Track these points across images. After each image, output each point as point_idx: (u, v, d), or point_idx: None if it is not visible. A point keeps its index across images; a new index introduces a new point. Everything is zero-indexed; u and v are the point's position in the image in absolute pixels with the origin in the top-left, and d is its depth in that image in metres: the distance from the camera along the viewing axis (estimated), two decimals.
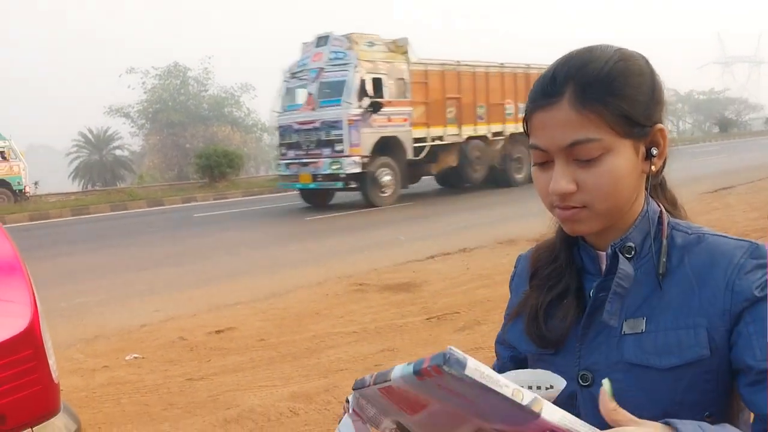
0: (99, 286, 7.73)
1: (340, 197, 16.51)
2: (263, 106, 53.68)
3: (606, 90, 0.91)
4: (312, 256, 9.01)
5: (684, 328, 0.92)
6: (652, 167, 0.96)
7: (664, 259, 0.96)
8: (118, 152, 53.15)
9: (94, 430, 3.62)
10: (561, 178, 0.92)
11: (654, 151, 0.96)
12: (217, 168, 23.01)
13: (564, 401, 0.98)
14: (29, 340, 1.38)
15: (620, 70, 0.92)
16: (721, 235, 0.98)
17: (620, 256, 0.95)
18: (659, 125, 0.96)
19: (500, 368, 1.17)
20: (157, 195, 21.18)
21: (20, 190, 20.17)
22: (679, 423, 0.76)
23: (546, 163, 0.95)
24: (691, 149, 36.26)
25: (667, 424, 0.77)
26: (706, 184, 14.84)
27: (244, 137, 47.63)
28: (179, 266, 8.85)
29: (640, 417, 0.90)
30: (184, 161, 42.35)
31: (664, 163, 1.01)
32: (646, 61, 0.97)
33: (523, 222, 10.08)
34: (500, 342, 1.17)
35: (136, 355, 4.94)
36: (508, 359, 1.15)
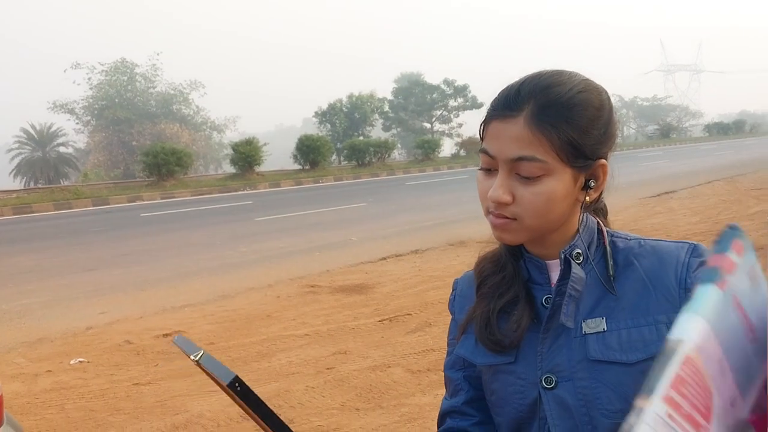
0: (42, 287, 7.49)
1: (298, 198, 16.36)
2: (213, 104, 53.00)
3: (562, 115, 0.94)
4: (262, 257, 8.92)
5: (645, 325, 0.97)
6: (587, 198, 1.00)
7: (611, 262, 1.01)
8: (62, 149, 51.68)
9: None
10: (500, 188, 0.95)
11: (591, 184, 0.99)
12: (165, 166, 22.59)
13: (528, 407, 1.02)
14: None
15: (581, 99, 0.96)
16: (659, 240, 1.04)
17: (572, 261, 1.00)
18: (603, 161, 0.99)
19: (453, 393, 1.17)
20: (103, 193, 20.64)
21: None
22: None
23: (491, 170, 0.99)
24: (634, 154, 37.26)
25: None
26: (650, 188, 15.30)
27: (193, 135, 46.94)
28: (125, 267, 8.64)
29: (609, 412, 0.95)
30: (131, 159, 41.49)
31: (600, 194, 1.05)
32: (608, 97, 1.01)
33: (473, 224, 10.21)
34: (450, 367, 1.17)
35: (81, 359, 4.80)
36: (462, 379, 1.15)
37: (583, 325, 0.99)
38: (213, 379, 0.88)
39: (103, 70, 45.42)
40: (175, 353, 4.88)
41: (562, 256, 1.00)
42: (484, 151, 0.98)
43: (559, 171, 0.94)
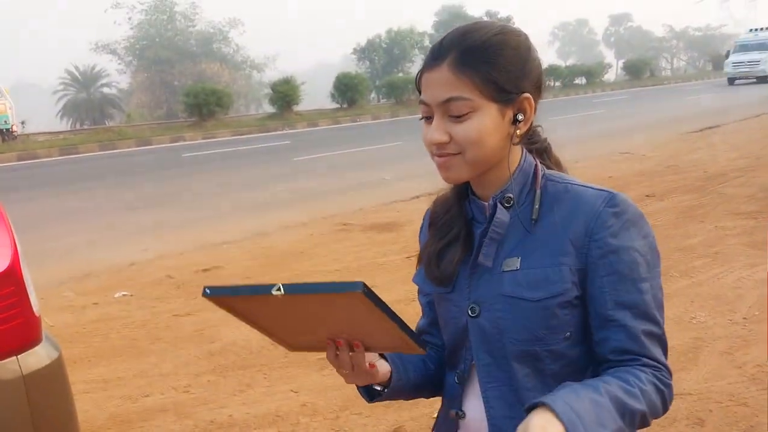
0: (88, 226, 7.85)
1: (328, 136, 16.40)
2: (253, 42, 52.91)
3: (480, 58, 1.05)
4: (298, 197, 9.14)
5: (551, 266, 1.08)
6: (517, 131, 1.10)
7: (537, 206, 1.11)
8: (105, 90, 52.51)
9: (84, 363, 3.81)
10: (436, 130, 1.07)
11: (520, 117, 1.09)
12: (206, 106, 22.81)
13: (461, 332, 1.16)
14: (11, 278, 1.54)
15: (496, 42, 1.07)
16: (585, 186, 1.13)
17: (498, 206, 1.12)
18: (526, 95, 1.09)
19: (422, 314, 1.34)
20: (146, 134, 21.05)
21: (7, 129, 19.92)
22: (550, 401, 0.93)
23: (430, 117, 1.10)
24: (683, 87, 36.10)
25: (543, 403, 0.93)
26: (694, 123, 14.94)
27: (233, 74, 47.09)
28: (167, 206, 8.97)
29: (516, 340, 1.09)
30: (173, 99, 41.97)
31: (530, 127, 1.14)
32: (526, 38, 1.12)
33: None
34: (419, 293, 1.33)
35: (124, 293, 5.11)
36: (425, 304, 1.32)
37: (503, 263, 1.11)
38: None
39: (143, 10, 45.58)
40: None
41: (491, 201, 1.13)
42: (422, 101, 1.10)
43: (485, 107, 1.05)
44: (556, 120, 17.86)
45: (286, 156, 14.20)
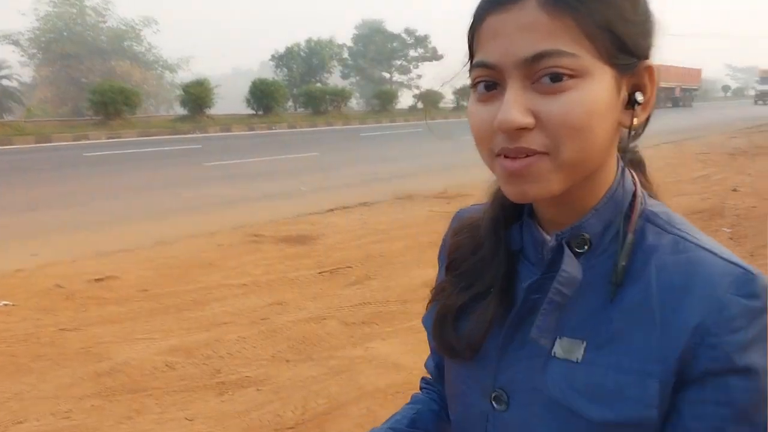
0: None
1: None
2: (167, 42, 51.38)
3: None
4: (207, 204, 8.72)
5: (630, 373, 0.67)
6: (634, 119, 0.69)
7: (624, 263, 0.69)
8: (5, 82, 49.49)
9: None
10: (513, 107, 0.64)
11: (639, 97, 0.69)
12: (112, 105, 21.81)
13: (473, 418, 0.81)
14: None
15: None
16: (708, 249, 0.69)
17: (566, 250, 0.71)
18: (649, 62, 0.69)
19: (432, 354, 1.01)
20: (47, 131, 19.85)
21: None
22: None
23: (492, 90, 0.67)
24: None
25: None
26: None
27: (145, 74, 45.49)
28: (63, 208, 8.36)
29: None
30: (80, 96, 39.99)
31: (648, 119, 0.73)
32: None
33: (424, 178, 10.18)
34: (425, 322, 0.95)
35: (6, 303, 4.64)
36: (434, 368, 0.99)
37: (557, 343, 0.72)
38: None
39: (50, 1, 43.37)
40: (108, 298, 4.75)
41: (554, 242, 0.73)
42: (481, 64, 0.67)
43: (597, 71, 0.64)
44: None
45: (197, 160, 13.67)
